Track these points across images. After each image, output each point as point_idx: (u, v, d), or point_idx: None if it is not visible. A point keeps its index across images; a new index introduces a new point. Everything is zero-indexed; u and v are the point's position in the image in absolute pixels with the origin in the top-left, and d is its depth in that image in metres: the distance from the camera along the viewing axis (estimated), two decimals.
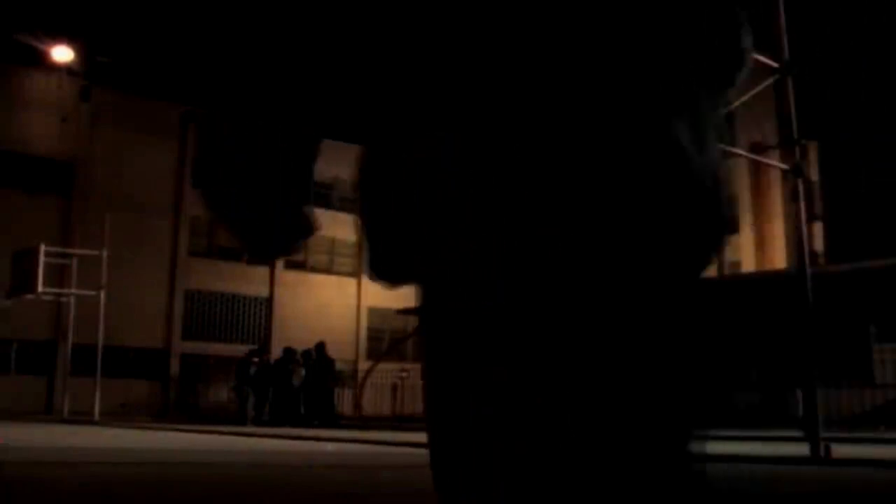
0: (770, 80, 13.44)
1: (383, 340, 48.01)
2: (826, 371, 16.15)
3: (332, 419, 26.37)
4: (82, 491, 8.05)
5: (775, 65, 13.21)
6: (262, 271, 44.34)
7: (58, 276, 33.41)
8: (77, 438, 18.24)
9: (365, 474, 9.03)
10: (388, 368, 30.21)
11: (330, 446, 15.91)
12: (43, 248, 30.91)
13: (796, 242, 13.66)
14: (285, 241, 1.87)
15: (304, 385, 27.12)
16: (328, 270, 48.99)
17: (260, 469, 9.98)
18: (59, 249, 33.75)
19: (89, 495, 7.76)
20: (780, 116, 13.48)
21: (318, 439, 17.78)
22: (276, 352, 30.93)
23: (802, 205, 13.15)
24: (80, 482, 8.81)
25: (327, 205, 50.80)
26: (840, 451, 12.23)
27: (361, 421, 27.63)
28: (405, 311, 33.68)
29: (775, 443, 15.92)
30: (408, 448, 12.12)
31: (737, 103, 15.79)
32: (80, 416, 29.76)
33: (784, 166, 13.96)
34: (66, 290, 33.30)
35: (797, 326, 13.19)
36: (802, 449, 12.33)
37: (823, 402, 12.76)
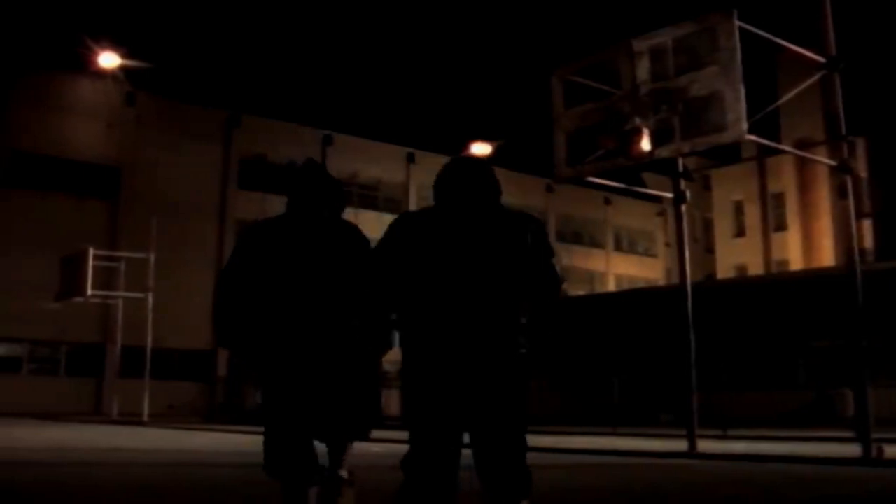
0: (817, 76, 13.28)
1: None
2: (878, 370, 15.92)
3: (378, 420, 26.34)
4: (121, 492, 8.11)
5: (822, 60, 13.04)
6: None
7: (105, 279, 33.76)
8: (122, 439, 18.41)
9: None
10: None
11: (377, 447, 15.92)
12: (91, 251, 31.24)
13: (845, 240, 13.47)
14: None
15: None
16: None
17: None
18: (107, 253, 34.10)
19: (129, 497, 7.82)
20: (827, 112, 13.30)
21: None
22: None
23: (851, 202, 12.96)
24: (121, 484, 8.88)
25: (373, 206, 50.88)
26: (893, 451, 12.05)
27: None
28: None
29: (826, 443, 15.72)
30: None
31: (783, 99, 15.63)
32: (129, 418, 30.04)
33: (831, 162, 13.79)
34: (114, 293, 33.65)
35: (847, 325, 13.01)
36: (854, 450, 12.15)
37: (875, 402, 12.56)
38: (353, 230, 5.22)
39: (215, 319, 5.01)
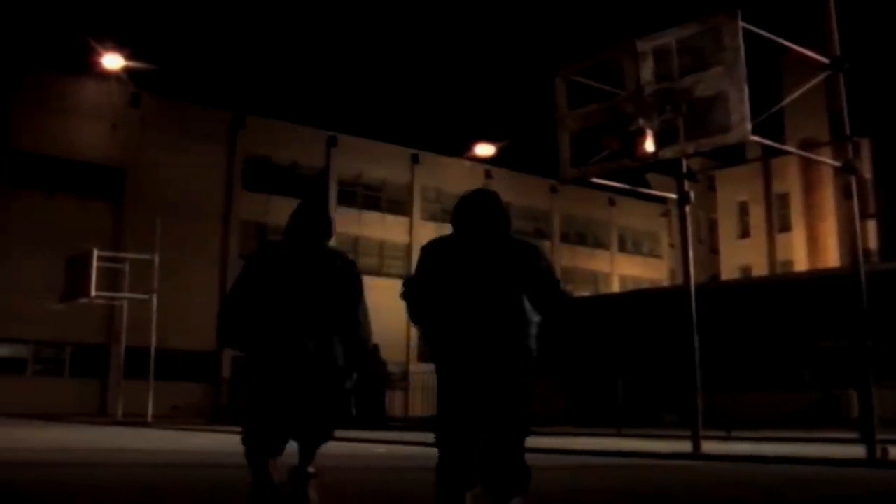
0: (821, 77, 13.26)
1: None
2: (882, 371, 15.88)
3: (382, 421, 26.38)
4: (128, 494, 8.11)
5: (826, 61, 13.02)
6: None
7: (110, 280, 33.76)
8: (126, 440, 18.42)
9: (414, 475, 9.02)
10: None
11: (381, 448, 15.92)
12: (96, 252, 31.24)
13: (850, 240, 13.44)
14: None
15: (356, 387, 27.02)
16: (378, 272, 49.09)
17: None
18: (112, 254, 34.10)
19: (132, 498, 7.82)
20: (831, 113, 13.27)
21: (368, 441, 17.81)
22: None
23: (855, 202, 12.93)
24: (123, 484, 8.88)
25: (377, 207, 50.86)
26: None
27: (410, 422, 27.66)
28: None
29: (830, 444, 15.69)
30: None
31: (787, 100, 15.61)
32: (134, 419, 30.06)
33: (836, 163, 13.77)
34: (118, 294, 33.65)
35: (852, 326, 12.99)
36: (858, 451, 12.13)
37: (880, 402, 12.53)
38: (345, 259, 6.37)
39: (219, 325, 6.12)
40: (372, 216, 50.26)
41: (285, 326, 5.94)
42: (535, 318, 5.36)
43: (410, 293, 5.49)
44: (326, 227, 6.31)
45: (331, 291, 6.06)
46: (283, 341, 5.92)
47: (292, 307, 5.95)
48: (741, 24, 12.17)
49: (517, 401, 5.23)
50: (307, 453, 6.08)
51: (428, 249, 5.56)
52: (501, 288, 5.27)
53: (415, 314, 5.51)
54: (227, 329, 6.10)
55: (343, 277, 6.16)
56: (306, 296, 5.99)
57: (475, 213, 5.47)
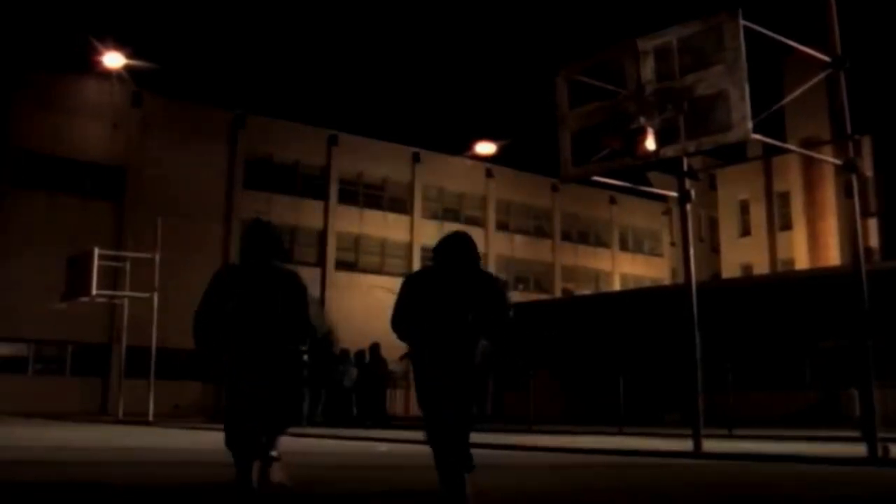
0: (822, 75, 13.25)
1: None
2: (883, 370, 15.86)
3: (384, 419, 26.40)
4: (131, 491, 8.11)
5: (827, 59, 13.01)
6: (313, 272, 44.63)
7: (111, 279, 33.78)
8: (127, 439, 18.43)
9: (417, 474, 9.04)
10: None
11: (382, 447, 15.92)
12: (97, 251, 31.24)
13: (851, 239, 13.43)
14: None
15: (357, 386, 27.09)
16: (379, 271, 49.14)
17: (312, 469, 9.98)
18: (113, 253, 34.10)
19: (134, 496, 7.83)
20: (832, 111, 13.27)
21: (370, 439, 17.82)
22: None
23: (856, 200, 12.93)
24: (123, 483, 8.88)
25: (378, 206, 50.87)
26: None
27: (411, 420, 27.67)
28: None
29: (832, 443, 15.69)
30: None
31: (788, 98, 15.60)
32: (135, 418, 30.06)
33: (837, 161, 13.76)
34: (119, 293, 33.64)
35: (853, 325, 12.98)
36: (860, 449, 12.13)
37: (881, 401, 12.52)
38: (293, 276, 7.23)
39: (195, 341, 7.02)
40: (373, 215, 50.31)
41: (241, 337, 6.86)
42: (484, 336, 6.73)
43: (396, 322, 6.84)
44: (273, 247, 7.19)
45: (276, 304, 6.93)
46: (239, 349, 6.86)
47: (244, 320, 6.87)
48: (742, 22, 12.17)
49: (467, 400, 6.63)
50: (269, 441, 7.04)
51: (409, 281, 7.00)
52: (458, 312, 6.64)
53: (404, 339, 6.89)
54: (200, 342, 7.03)
55: (285, 291, 7.02)
56: (256, 309, 6.89)
57: (452, 252, 6.85)
